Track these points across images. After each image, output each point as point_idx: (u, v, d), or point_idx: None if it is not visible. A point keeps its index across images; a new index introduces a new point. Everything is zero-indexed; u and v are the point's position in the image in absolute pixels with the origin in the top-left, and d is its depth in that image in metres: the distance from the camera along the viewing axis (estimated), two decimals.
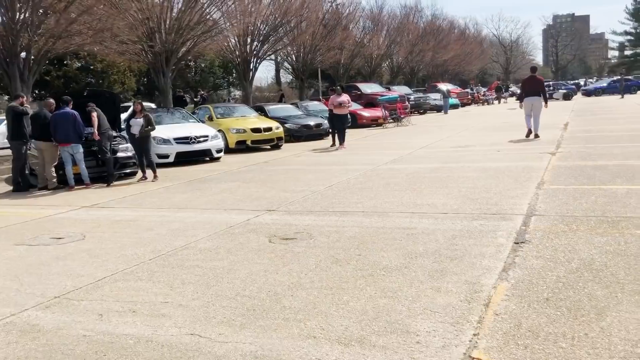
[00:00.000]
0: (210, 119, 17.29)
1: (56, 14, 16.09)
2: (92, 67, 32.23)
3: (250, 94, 27.71)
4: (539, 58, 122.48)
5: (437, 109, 35.80)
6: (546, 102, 14.95)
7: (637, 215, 5.83)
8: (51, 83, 31.45)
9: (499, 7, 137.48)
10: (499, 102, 45.20)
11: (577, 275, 4.18)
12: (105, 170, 11.20)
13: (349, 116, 17.20)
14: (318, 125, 19.32)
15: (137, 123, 11.26)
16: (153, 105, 29.77)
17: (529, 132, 14.53)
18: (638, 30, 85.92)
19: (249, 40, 26.51)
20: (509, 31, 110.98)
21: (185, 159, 13.83)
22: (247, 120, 17.20)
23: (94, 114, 10.83)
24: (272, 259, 5.15)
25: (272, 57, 36.77)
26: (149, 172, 11.47)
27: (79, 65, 32.99)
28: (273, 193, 8.81)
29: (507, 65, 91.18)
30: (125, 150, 11.76)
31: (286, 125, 19.04)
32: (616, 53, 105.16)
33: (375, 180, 9.46)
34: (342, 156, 13.74)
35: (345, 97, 16.09)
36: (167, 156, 13.61)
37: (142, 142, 11.30)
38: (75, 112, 10.64)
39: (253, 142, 16.41)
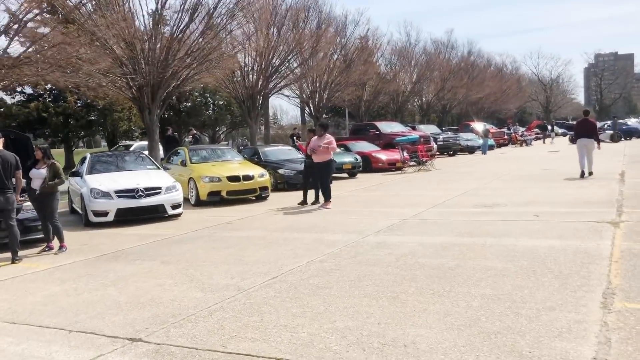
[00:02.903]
0: (184, 164, 14.37)
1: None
2: (94, 104, 30.10)
3: (255, 133, 24.87)
4: (580, 97, 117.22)
5: (469, 150, 32.43)
6: (598, 144, 15.01)
7: None
8: (48, 120, 29.51)
9: (538, 44, 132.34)
10: (544, 142, 41.44)
11: None
12: (6, 236, 8.29)
13: (333, 164, 12.87)
14: None
15: (39, 175, 8.32)
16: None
17: (583, 173, 14.55)
18: None
19: (252, 75, 23.84)
20: (549, 69, 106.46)
21: (130, 217, 10.86)
22: (226, 166, 14.13)
23: None
24: None
25: (296, 93, 33.86)
26: (56, 241, 8.50)
27: (82, 102, 30.98)
28: (179, 291, 5.70)
29: (547, 104, 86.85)
30: (33, 209, 8.86)
31: (279, 171, 16.06)
32: None
33: (347, 268, 6.26)
34: (328, 217, 10.54)
35: (321, 140, 12.03)
36: (105, 214, 10.57)
37: (45, 201, 8.33)
38: None
39: (229, 193, 13.27)
